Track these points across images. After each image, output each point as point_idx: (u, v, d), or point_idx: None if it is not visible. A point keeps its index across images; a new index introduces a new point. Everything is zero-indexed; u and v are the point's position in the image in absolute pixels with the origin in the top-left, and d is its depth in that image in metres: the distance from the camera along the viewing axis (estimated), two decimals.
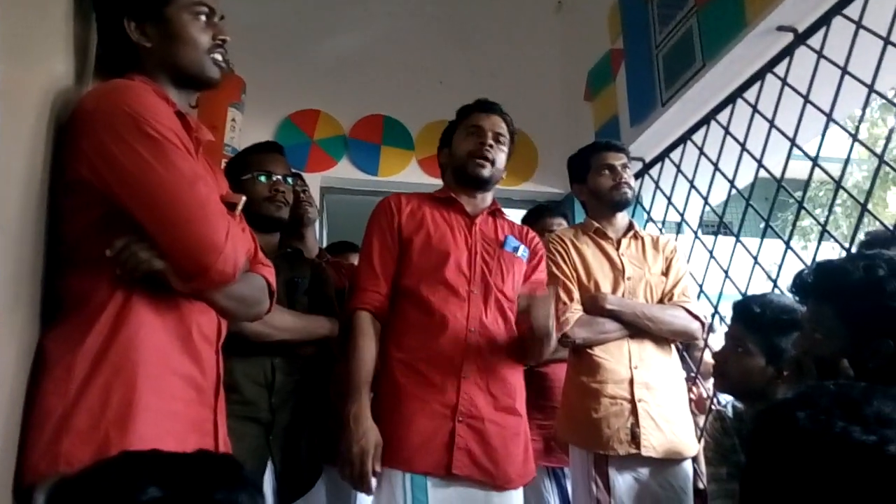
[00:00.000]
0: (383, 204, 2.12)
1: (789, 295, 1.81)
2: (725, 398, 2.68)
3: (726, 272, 3.00)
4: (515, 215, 3.24)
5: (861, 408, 0.78)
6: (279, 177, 2.12)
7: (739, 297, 2.35)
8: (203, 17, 1.42)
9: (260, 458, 1.85)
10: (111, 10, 1.42)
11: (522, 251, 2.14)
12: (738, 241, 2.96)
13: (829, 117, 2.54)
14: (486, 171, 2.08)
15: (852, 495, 0.73)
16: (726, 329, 2.21)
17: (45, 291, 1.26)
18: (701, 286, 3.11)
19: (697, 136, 3.27)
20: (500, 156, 2.12)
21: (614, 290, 2.39)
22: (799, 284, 1.64)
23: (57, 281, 1.28)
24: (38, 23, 1.24)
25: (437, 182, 2.66)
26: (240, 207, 1.47)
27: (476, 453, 1.88)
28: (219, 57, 1.45)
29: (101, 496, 0.78)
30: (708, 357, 3.09)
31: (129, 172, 1.22)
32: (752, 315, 2.04)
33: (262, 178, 2.10)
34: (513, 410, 1.99)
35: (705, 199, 3.25)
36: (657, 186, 3.61)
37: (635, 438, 2.21)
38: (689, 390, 2.95)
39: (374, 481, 1.79)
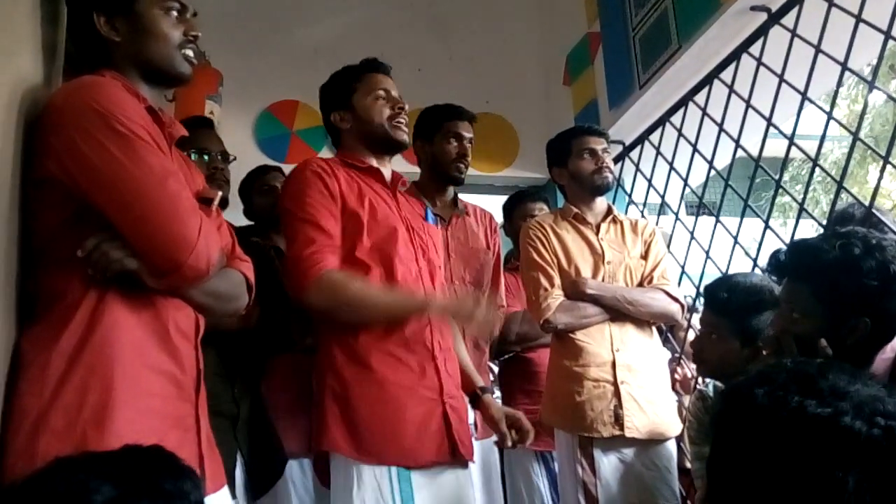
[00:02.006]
0: (313, 167, 1.91)
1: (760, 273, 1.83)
2: (708, 378, 2.71)
3: (707, 252, 3.02)
4: (497, 202, 3.26)
5: (816, 382, 0.79)
6: (215, 153, 2.08)
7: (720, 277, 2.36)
8: (174, 13, 1.41)
9: (229, 451, 1.79)
10: (81, 4, 1.41)
11: (437, 223, 2.13)
12: (717, 221, 2.98)
13: (804, 96, 2.56)
14: (406, 137, 2.02)
15: (811, 467, 0.75)
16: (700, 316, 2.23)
17: (19, 290, 1.25)
18: (683, 267, 3.13)
19: (676, 118, 3.28)
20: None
21: (594, 275, 2.40)
22: (775, 264, 1.66)
23: (30, 279, 1.27)
24: (5, 20, 1.23)
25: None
26: (216, 203, 1.46)
27: (461, 433, 1.83)
28: (189, 52, 1.43)
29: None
30: (692, 338, 3.12)
31: (98, 170, 1.21)
32: (720, 301, 2.05)
33: (198, 157, 2.04)
34: (460, 386, 1.98)
35: (685, 180, 3.27)
36: (637, 169, 3.62)
37: (619, 420, 2.23)
38: (674, 371, 2.98)
39: None
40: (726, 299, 2.03)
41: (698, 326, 2.24)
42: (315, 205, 1.84)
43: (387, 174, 2.04)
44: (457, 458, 1.80)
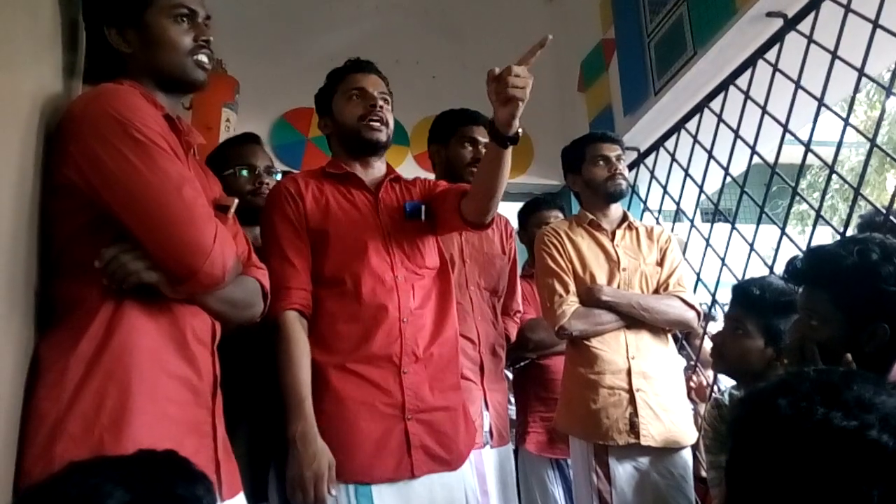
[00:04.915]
0: (280, 190, 1.92)
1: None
2: (724, 386, 2.69)
3: (723, 260, 3.00)
4: (512, 209, 3.25)
5: (841, 393, 0.78)
6: (261, 169, 2.11)
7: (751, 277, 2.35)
8: (184, 20, 1.42)
9: (262, 459, 1.81)
10: (94, 18, 1.43)
11: (422, 209, 2.02)
12: (733, 228, 2.96)
13: (821, 102, 2.54)
14: (383, 135, 1.96)
15: (835, 480, 0.74)
16: (725, 312, 2.23)
17: (38, 296, 1.26)
18: (698, 274, 3.11)
19: (691, 125, 3.28)
20: (390, 116, 1.99)
21: (610, 282, 2.39)
22: (792, 271, 1.64)
23: (49, 285, 1.28)
24: (26, 29, 1.24)
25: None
26: (232, 210, 1.47)
27: (430, 446, 1.79)
28: (202, 58, 1.43)
29: None
30: (707, 345, 3.10)
31: (115, 176, 1.22)
32: (751, 297, 2.06)
33: (245, 172, 2.07)
34: (454, 386, 1.93)
35: (700, 187, 3.25)
36: (652, 175, 3.61)
37: (634, 428, 2.21)
38: (689, 379, 2.96)
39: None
40: (759, 296, 2.04)
41: (713, 334, 2.23)
42: (282, 233, 1.86)
43: (370, 176, 2.01)
44: (416, 476, 1.76)
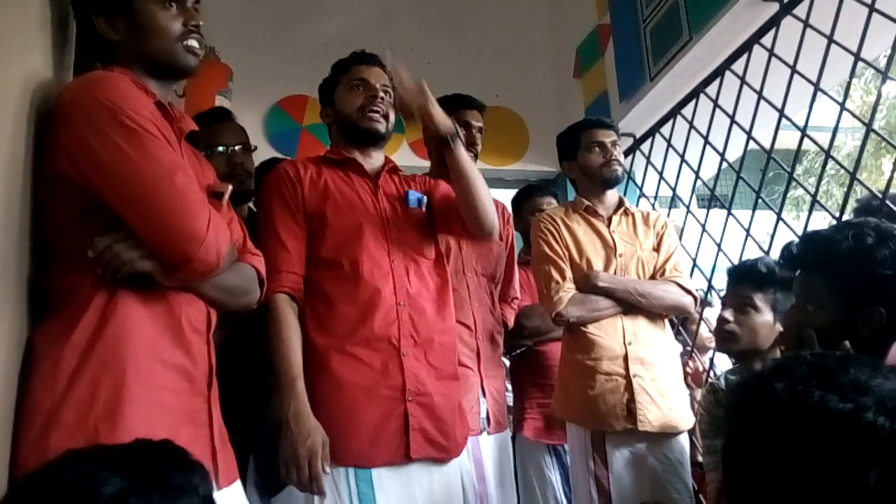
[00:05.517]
0: (279, 173, 1.94)
1: None
2: (720, 371, 2.70)
3: (719, 245, 3.00)
4: (507, 195, 3.25)
5: (837, 376, 0.78)
6: (234, 148, 2.08)
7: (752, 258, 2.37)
8: (172, 5, 1.40)
9: (242, 450, 1.80)
10: (82, 7, 1.42)
11: (423, 201, 2.04)
12: (729, 213, 2.96)
13: (817, 87, 2.54)
14: (382, 126, 1.98)
15: (831, 463, 0.74)
16: (727, 293, 2.23)
17: (31, 286, 1.26)
18: (694, 260, 3.11)
19: (687, 110, 3.27)
20: (391, 109, 2.00)
21: (606, 268, 2.38)
22: (787, 256, 1.64)
23: (42, 275, 1.27)
24: (16, 17, 1.23)
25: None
26: (226, 196, 1.47)
27: (429, 430, 1.79)
28: (193, 43, 1.42)
29: (65, 495, 0.78)
30: (704, 331, 3.11)
31: (106, 164, 1.21)
32: (759, 274, 2.11)
33: (218, 152, 2.04)
34: (453, 376, 1.93)
35: (696, 172, 3.25)
36: (648, 161, 3.61)
37: (631, 414, 2.22)
38: (686, 364, 2.97)
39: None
40: (769, 273, 2.09)
41: (711, 319, 2.23)
42: (278, 216, 1.88)
43: (370, 164, 2.02)
44: (413, 459, 1.76)
